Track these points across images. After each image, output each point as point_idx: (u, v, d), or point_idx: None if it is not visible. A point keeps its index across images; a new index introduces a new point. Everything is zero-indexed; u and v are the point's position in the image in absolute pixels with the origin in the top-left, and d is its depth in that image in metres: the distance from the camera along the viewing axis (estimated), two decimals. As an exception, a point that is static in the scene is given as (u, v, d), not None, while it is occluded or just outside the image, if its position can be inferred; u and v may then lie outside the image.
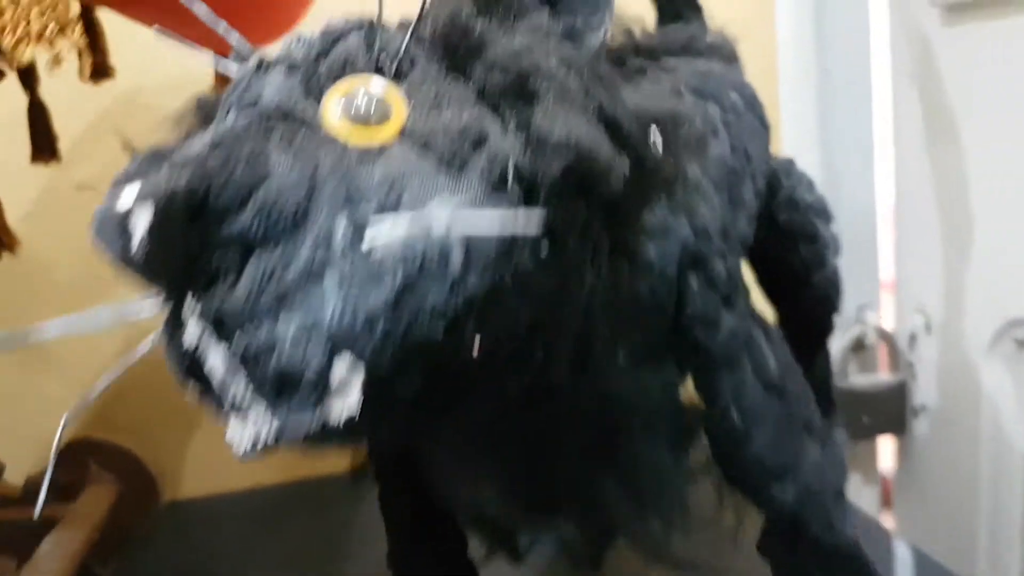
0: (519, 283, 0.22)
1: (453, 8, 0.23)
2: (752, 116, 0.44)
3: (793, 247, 0.48)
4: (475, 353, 0.22)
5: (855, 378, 0.81)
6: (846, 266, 0.81)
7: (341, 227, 0.20)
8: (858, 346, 0.81)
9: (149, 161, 0.22)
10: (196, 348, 0.21)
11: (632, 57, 0.47)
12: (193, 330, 0.21)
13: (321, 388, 0.20)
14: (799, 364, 0.56)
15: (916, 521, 0.81)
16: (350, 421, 0.21)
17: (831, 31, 0.79)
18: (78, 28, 0.34)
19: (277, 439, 0.21)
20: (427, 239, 0.20)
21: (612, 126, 0.23)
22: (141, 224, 0.19)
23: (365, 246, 0.20)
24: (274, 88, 0.23)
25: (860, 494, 0.85)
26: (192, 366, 0.21)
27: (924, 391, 0.79)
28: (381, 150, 0.22)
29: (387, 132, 0.22)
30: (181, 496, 0.70)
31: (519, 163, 0.22)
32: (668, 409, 0.34)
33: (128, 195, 0.19)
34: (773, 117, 0.78)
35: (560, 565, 0.38)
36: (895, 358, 0.81)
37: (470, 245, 0.21)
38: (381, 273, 0.20)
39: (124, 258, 0.19)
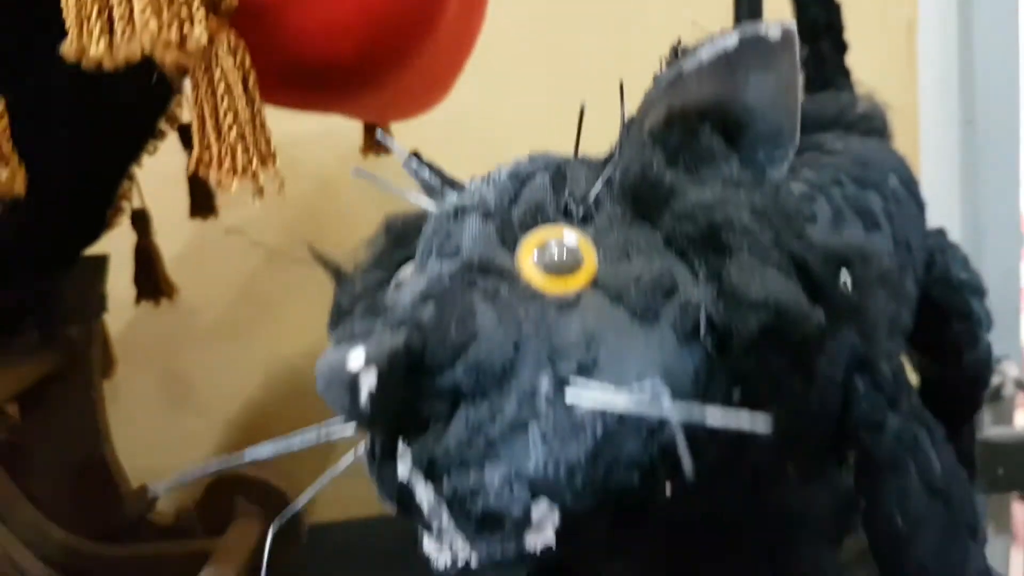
0: (709, 435, 0.22)
1: (644, 158, 0.24)
2: (911, 200, 0.43)
3: (947, 325, 0.47)
4: (668, 495, 0.23)
5: (990, 430, 0.78)
6: (992, 319, 0.78)
7: (544, 383, 0.21)
8: (995, 396, 0.78)
9: (364, 314, 0.23)
10: (407, 482, 0.22)
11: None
12: (403, 468, 0.22)
13: (520, 529, 0.22)
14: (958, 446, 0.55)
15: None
16: (540, 552, 0.22)
17: (978, 79, 0.76)
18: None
19: (471, 564, 0.23)
20: (619, 404, 0.21)
21: (803, 271, 0.24)
22: (367, 384, 0.20)
23: (568, 402, 0.21)
24: (471, 237, 0.24)
25: (993, 550, 0.82)
26: (401, 496, 0.22)
27: (1066, 446, 0.75)
28: (577, 300, 0.22)
29: (580, 280, 0.23)
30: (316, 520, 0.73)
31: (711, 314, 0.22)
32: (830, 509, 0.34)
33: (355, 358, 0.20)
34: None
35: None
36: (1035, 412, 0.78)
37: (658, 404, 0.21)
38: (582, 426, 0.21)
39: (352, 413, 0.21)
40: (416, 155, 0.31)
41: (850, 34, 0.56)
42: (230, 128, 0.26)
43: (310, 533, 0.69)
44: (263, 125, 0.27)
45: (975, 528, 0.34)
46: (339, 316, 0.29)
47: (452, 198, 0.26)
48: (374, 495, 0.74)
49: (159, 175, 0.58)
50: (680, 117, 0.25)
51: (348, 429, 0.25)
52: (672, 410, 0.20)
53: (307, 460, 0.81)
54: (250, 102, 0.26)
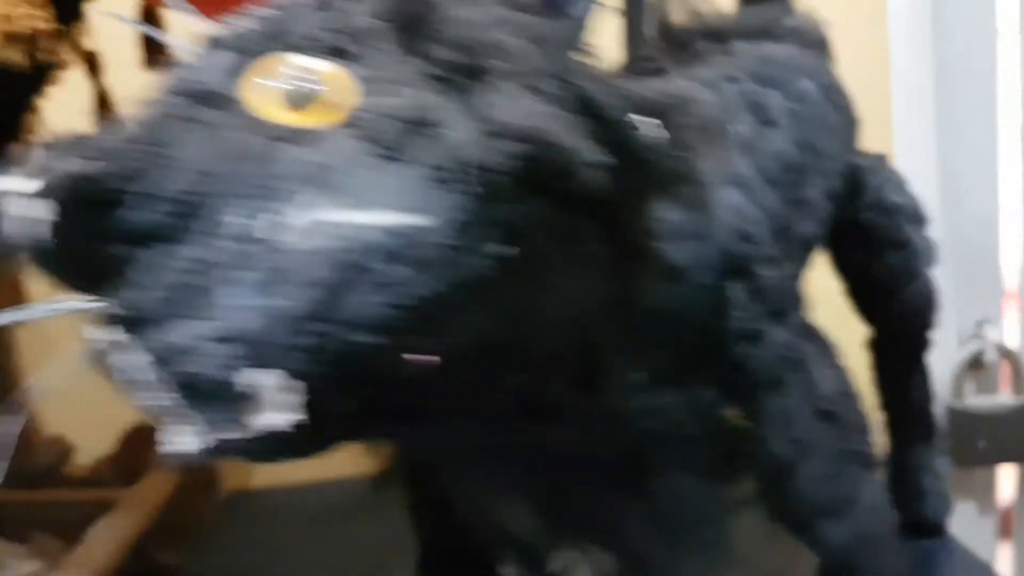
0: (472, 290, 0.19)
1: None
2: (828, 106, 0.39)
3: (879, 255, 0.43)
4: (419, 366, 0.19)
5: (972, 399, 0.74)
6: (964, 276, 0.74)
7: (259, 222, 0.18)
8: (976, 364, 0.74)
9: (54, 144, 0.20)
10: (101, 352, 0.19)
11: (698, 41, 0.43)
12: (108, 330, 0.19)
13: (242, 399, 0.18)
14: (896, 387, 0.50)
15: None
16: (286, 434, 0.19)
17: (951, 14, 0.71)
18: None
19: (212, 450, 0.19)
20: (357, 240, 0.18)
21: (592, 114, 0.20)
22: (32, 211, 0.17)
23: (286, 244, 0.18)
24: (215, 71, 0.21)
25: (976, 526, 0.77)
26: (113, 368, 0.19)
27: (1052, 416, 0.71)
28: (317, 135, 0.19)
29: (324, 116, 0.20)
30: (246, 487, 0.71)
31: (471, 154, 0.19)
32: (703, 435, 0.30)
33: (18, 183, 0.17)
34: (883, 112, 0.71)
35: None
36: (1019, 378, 0.73)
37: (413, 241, 0.18)
38: (303, 276, 0.18)
39: (17, 245, 0.18)
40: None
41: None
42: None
43: (242, 499, 0.67)
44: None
45: (866, 456, 0.30)
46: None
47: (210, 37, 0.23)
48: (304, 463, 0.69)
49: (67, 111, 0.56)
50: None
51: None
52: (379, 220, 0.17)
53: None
54: None
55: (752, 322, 0.29)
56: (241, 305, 0.18)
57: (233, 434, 0.19)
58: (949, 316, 0.74)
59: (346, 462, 0.75)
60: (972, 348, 0.73)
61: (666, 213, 0.25)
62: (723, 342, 0.29)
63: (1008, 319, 0.74)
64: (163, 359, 0.18)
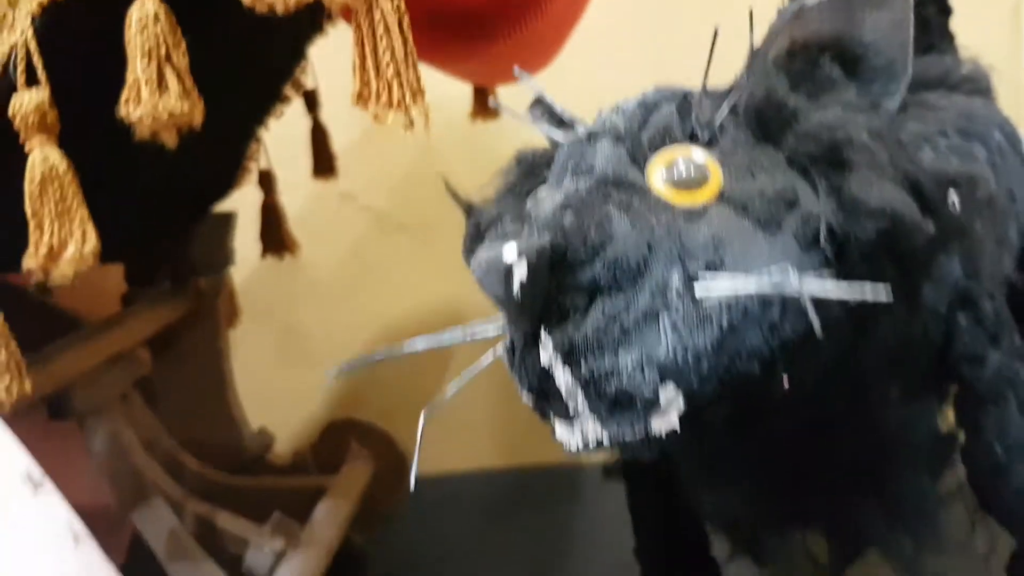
0: (828, 332, 0.24)
1: (769, 83, 0.26)
2: (1015, 154, 0.44)
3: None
4: (785, 389, 0.25)
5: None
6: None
7: (675, 278, 0.24)
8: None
9: (511, 219, 0.26)
10: (545, 371, 0.25)
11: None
12: (545, 355, 0.25)
13: (649, 410, 0.24)
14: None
15: None
16: (663, 436, 0.25)
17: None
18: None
19: (601, 444, 0.25)
20: (746, 294, 0.23)
21: (916, 189, 0.26)
22: (519, 273, 0.23)
23: (697, 295, 0.24)
24: (604, 157, 0.26)
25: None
26: (541, 382, 0.25)
27: None
28: (704, 211, 0.25)
29: (706, 195, 0.25)
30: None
31: (831, 223, 0.25)
32: (930, 439, 0.36)
33: (509, 251, 0.23)
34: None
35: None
36: None
37: (786, 298, 0.24)
38: (708, 318, 0.24)
39: (506, 297, 0.24)
40: (541, 100, 0.34)
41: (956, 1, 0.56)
42: (388, 65, 0.30)
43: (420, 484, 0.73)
44: (415, 64, 0.30)
45: None
46: (473, 240, 0.32)
47: (583, 127, 0.29)
48: (474, 450, 0.78)
49: (283, 139, 0.62)
50: (802, 48, 0.27)
51: (488, 331, 0.28)
52: (796, 282, 0.22)
53: (408, 413, 0.84)
54: (404, 41, 0.29)
55: (976, 346, 0.34)
56: (664, 342, 0.24)
57: (631, 435, 0.25)
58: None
59: (505, 454, 0.82)
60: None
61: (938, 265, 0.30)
62: (952, 363, 0.34)
63: None
64: (589, 380, 0.24)
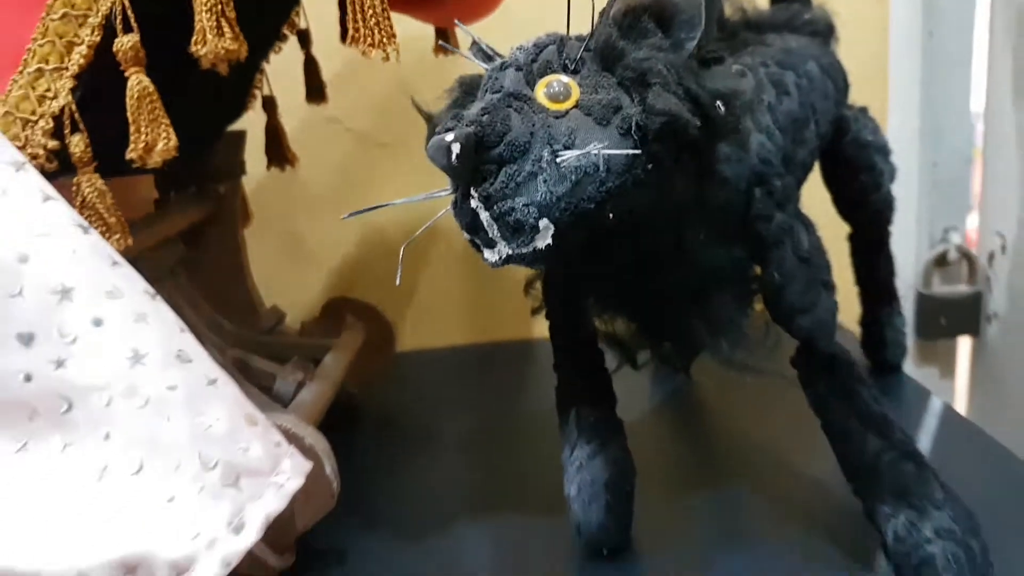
0: (635, 187, 0.41)
1: (608, 33, 0.43)
2: (825, 79, 0.61)
3: (855, 175, 0.65)
4: (611, 219, 0.42)
5: (938, 287, 0.96)
6: (940, 196, 0.95)
7: (546, 153, 0.41)
8: (942, 261, 0.96)
9: (453, 117, 0.43)
10: (474, 212, 0.42)
11: (743, 31, 0.64)
12: (473, 203, 0.41)
13: (533, 233, 0.41)
14: (868, 264, 0.73)
15: (985, 408, 0.96)
16: (544, 250, 0.42)
17: (940, 4, 0.91)
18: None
19: (508, 259, 0.42)
20: (588, 161, 0.40)
21: (693, 100, 0.42)
22: (454, 150, 0.40)
23: (558, 162, 0.41)
24: (509, 80, 0.43)
25: (939, 385, 1.00)
26: (471, 220, 0.42)
27: (997, 301, 0.93)
28: (566, 114, 0.42)
29: (568, 104, 0.42)
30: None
31: (638, 121, 0.41)
32: (738, 275, 0.53)
33: (448, 136, 0.39)
34: (882, 73, 0.93)
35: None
36: (973, 272, 0.95)
37: (610, 164, 0.41)
38: (565, 176, 0.40)
39: (447, 166, 0.40)
40: (475, 43, 0.50)
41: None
42: (371, 15, 0.46)
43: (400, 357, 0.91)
44: (388, 14, 0.46)
45: (827, 283, 0.53)
46: (430, 138, 0.49)
47: (500, 63, 0.45)
48: (446, 330, 1.00)
49: (281, 70, 0.77)
50: (630, 10, 0.43)
51: (443, 193, 0.45)
52: (598, 149, 0.39)
53: (393, 295, 1.03)
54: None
55: (766, 209, 0.51)
56: (540, 191, 0.40)
57: (524, 251, 0.42)
58: (923, 225, 0.96)
59: (468, 333, 1.01)
60: (939, 249, 0.95)
61: (725, 150, 0.47)
62: (750, 221, 0.51)
63: (969, 228, 0.96)
64: (499, 216, 0.41)
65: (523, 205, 0.40)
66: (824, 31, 0.68)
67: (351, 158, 0.95)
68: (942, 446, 0.66)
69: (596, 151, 0.40)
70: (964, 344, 0.98)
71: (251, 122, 0.79)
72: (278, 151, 0.79)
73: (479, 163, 0.41)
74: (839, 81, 0.64)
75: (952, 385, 1.00)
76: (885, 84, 0.93)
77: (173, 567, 0.41)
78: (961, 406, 0.99)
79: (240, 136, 0.80)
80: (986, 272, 0.94)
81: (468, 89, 0.48)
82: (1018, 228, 0.88)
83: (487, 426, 0.77)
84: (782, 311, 0.52)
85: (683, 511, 0.60)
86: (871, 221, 0.69)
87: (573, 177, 0.40)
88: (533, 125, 0.41)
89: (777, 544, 0.55)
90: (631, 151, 0.41)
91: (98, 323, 0.43)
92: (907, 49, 0.92)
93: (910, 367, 0.99)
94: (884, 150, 0.67)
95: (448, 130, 0.40)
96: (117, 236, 0.49)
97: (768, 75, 0.57)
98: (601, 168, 0.41)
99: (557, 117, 0.42)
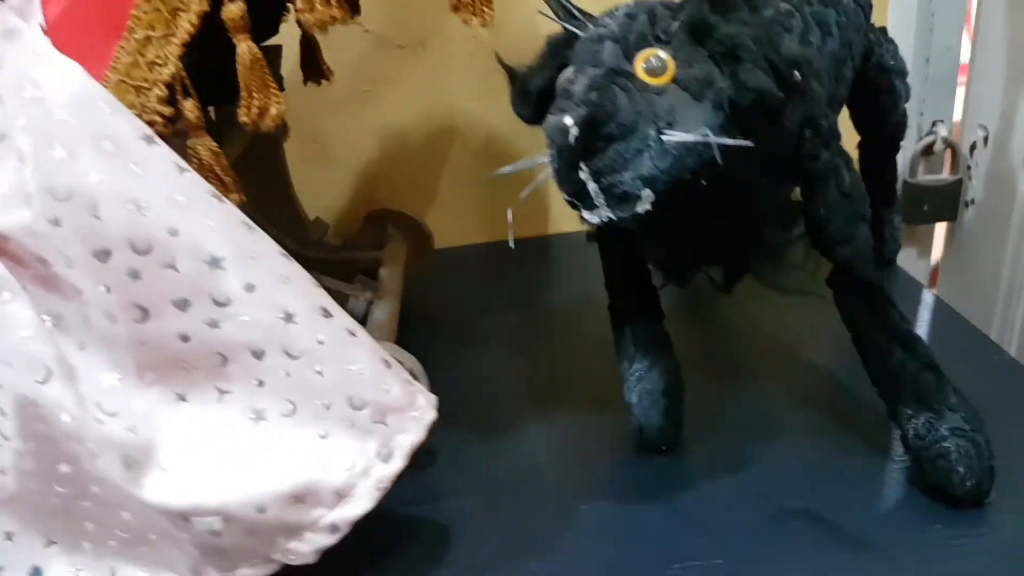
0: (725, 154, 0.47)
1: (700, 7, 0.47)
2: (857, 11, 0.65)
3: (875, 97, 0.71)
4: (703, 184, 0.48)
5: (923, 176, 1.04)
6: (930, 90, 1.01)
7: (651, 132, 0.45)
8: (928, 151, 1.03)
9: (563, 96, 0.47)
10: (582, 183, 0.46)
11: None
12: (582, 174, 0.46)
13: (636, 201, 0.47)
14: (875, 171, 0.80)
15: (958, 286, 1.06)
16: (642, 213, 0.47)
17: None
18: None
19: (611, 219, 0.48)
20: (688, 139, 0.45)
21: (775, 70, 0.47)
22: (572, 132, 0.44)
23: (663, 139, 0.46)
24: (608, 53, 0.47)
25: (916, 264, 1.10)
26: (578, 190, 0.47)
27: (976, 188, 1.01)
28: (665, 89, 0.46)
29: (666, 79, 0.46)
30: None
31: (729, 95, 0.46)
32: (785, 207, 0.59)
33: (568, 120, 0.44)
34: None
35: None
36: (955, 162, 1.02)
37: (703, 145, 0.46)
38: (668, 152, 0.46)
39: (564, 146, 0.45)
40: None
41: None
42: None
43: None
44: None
45: (865, 216, 0.59)
46: (520, 96, 0.53)
47: (593, 29, 0.49)
48: (487, 224, 1.06)
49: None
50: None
51: (543, 159, 0.49)
52: (709, 136, 0.45)
53: (416, 196, 1.08)
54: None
55: (814, 148, 0.56)
56: (645, 166, 0.46)
57: (624, 215, 0.47)
58: (913, 118, 1.02)
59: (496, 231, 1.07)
60: (927, 140, 1.02)
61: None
62: (799, 158, 0.57)
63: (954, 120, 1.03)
64: (606, 187, 0.46)
65: (631, 179, 0.46)
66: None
67: (369, 60, 0.97)
68: (931, 334, 0.76)
69: (700, 137, 0.45)
70: (941, 227, 1.07)
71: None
72: (315, 65, 0.81)
73: (590, 140, 0.45)
74: (867, 7, 0.68)
75: (927, 263, 1.10)
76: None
77: (336, 493, 0.48)
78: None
79: (277, 51, 0.81)
80: (967, 161, 1.01)
81: (555, 50, 0.52)
82: (1000, 121, 0.95)
83: (524, 322, 0.84)
84: (825, 241, 0.58)
85: (723, 412, 0.69)
86: (886, 137, 0.76)
87: (675, 152, 0.46)
88: (638, 104, 0.46)
89: (808, 437, 0.64)
90: (738, 142, 0.45)
91: (250, 288, 0.47)
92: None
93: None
94: (903, 73, 0.72)
95: (562, 111, 0.45)
96: (234, 194, 0.53)
97: (813, 15, 0.61)
98: (699, 145, 0.46)
99: (657, 93, 0.46)
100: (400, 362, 0.59)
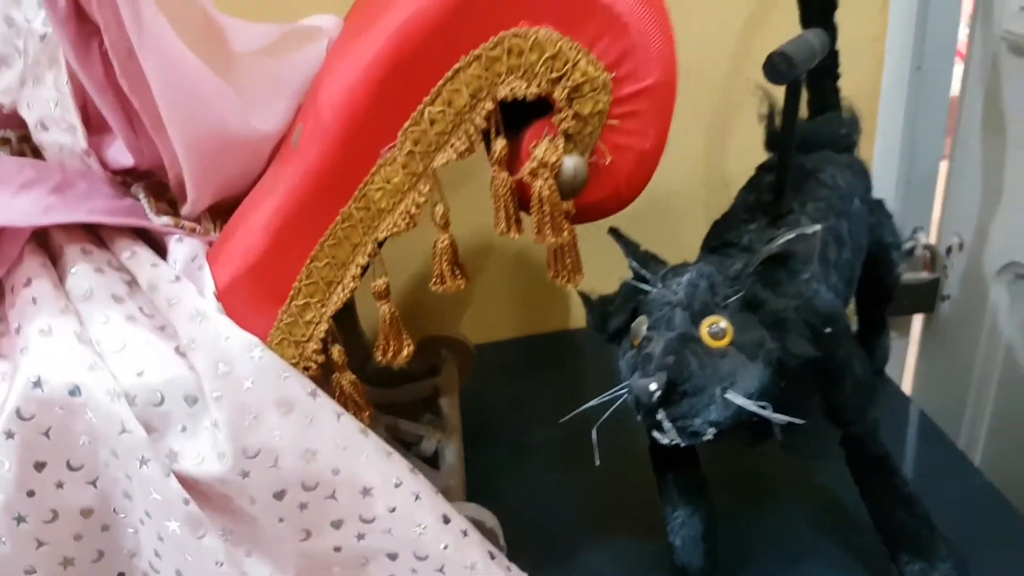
0: (778, 392, 0.59)
1: (751, 286, 0.59)
2: (864, 209, 0.77)
3: (876, 265, 0.84)
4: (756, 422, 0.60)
5: (905, 275, 1.17)
6: (911, 203, 1.14)
7: (718, 391, 0.57)
8: (909, 254, 1.16)
9: (644, 360, 0.58)
10: (660, 420, 0.58)
11: (799, 153, 0.79)
12: (660, 416, 0.58)
13: (703, 435, 0.59)
14: (870, 316, 0.93)
15: (934, 367, 1.20)
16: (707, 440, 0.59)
17: (927, 40, 1.06)
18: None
19: (679, 442, 0.60)
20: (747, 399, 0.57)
21: (812, 329, 0.59)
22: (655, 395, 0.56)
23: (727, 397, 0.57)
24: (679, 319, 0.58)
25: (895, 345, 1.24)
26: (657, 425, 0.59)
27: (951, 286, 1.15)
28: (726, 352, 0.58)
29: (726, 341, 0.58)
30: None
31: (780, 356, 0.58)
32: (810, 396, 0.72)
33: (651, 386, 0.55)
34: (873, 104, 1.08)
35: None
36: (933, 264, 1.16)
37: (759, 390, 0.58)
38: (729, 406, 0.58)
39: (647, 405, 0.56)
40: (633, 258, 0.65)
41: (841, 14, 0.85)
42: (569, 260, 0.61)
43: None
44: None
45: (875, 398, 0.72)
46: (599, 330, 0.64)
47: (660, 290, 0.60)
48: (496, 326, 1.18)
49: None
50: (766, 263, 0.59)
51: (622, 392, 0.61)
52: (767, 411, 0.57)
53: (473, 327, 1.19)
54: None
55: (831, 349, 0.69)
56: (712, 415, 0.58)
57: (694, 442, 0.60)
58: (899, 227, 1.15)
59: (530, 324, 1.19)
60: (909, 244, 1.15)
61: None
62: (818, 357, 0.69)
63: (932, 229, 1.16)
64: (679, 425, 0.58)
65: (700, 423, 0.58)
66: (855, 141, 0.84)
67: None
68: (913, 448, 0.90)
69: (758, 409, 0.57)
70: (918, 317, 1.21)
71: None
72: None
73: (668, 395, 0.57)
74: (869, 195, 0.81)
75: (905, 343, 1.24)
76: (875, 113, 1.09)
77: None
78: (911, 360, 1.24)
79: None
80: (944, 262, 1.15)
81: (628, 295, 0.64)
82: (975, 233, 1.09)
83: (561, 428, 0.95)
84: (840, 420, 0.71)
85: (749, 542, 0.81)
86: (884, 292, 0.89)
87: (733, 408, 0.58)
88: (706, 367, 0.57)
89: (824, 561, 0.77)
90: (790, 419, 0.57)
91: (392, 510, 0.59)
92: (897, 82, 1.07)
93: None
94: (899, 246, 0.85)
95: (646, 375, 0.56)
96: (366, 413, 0.64)
97: (831, 230, 0.73)
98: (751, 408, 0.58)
99: (720, 356, 0.58)
100: (482, 522, 0.71)
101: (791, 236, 0.58)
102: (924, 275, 1.16)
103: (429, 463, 0.82)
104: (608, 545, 0.81)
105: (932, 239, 1.16)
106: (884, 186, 1.13)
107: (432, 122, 0.55)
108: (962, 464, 0.88)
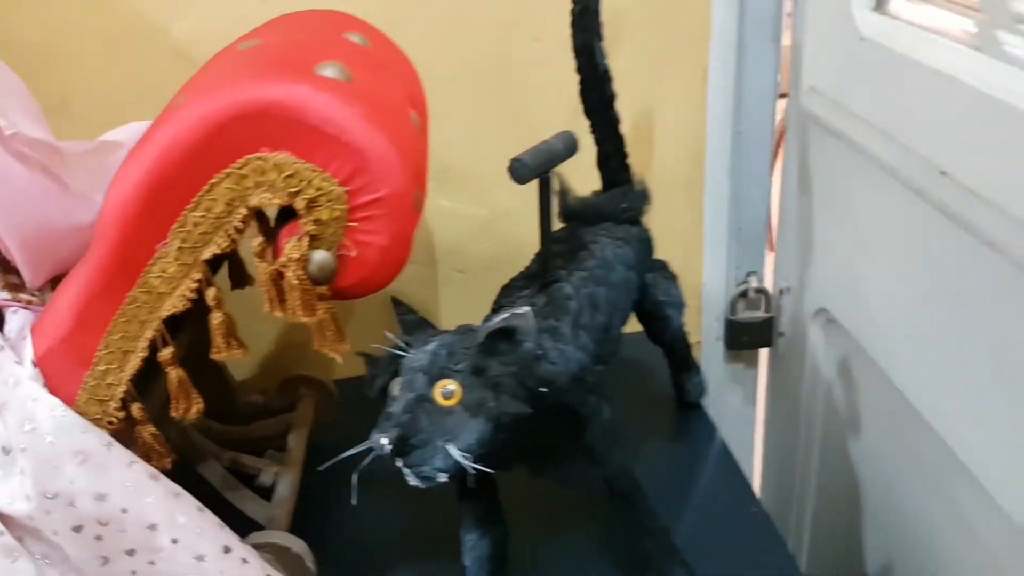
0: (506, 443, 0.71)
1: (478, 355, 0.70)
2: (628, 275, 0.89)
3: (653, 321, 0.95)
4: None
5: (742, 314, 1.28)
6: (743, 250, 1.25)
7: (439, 444, 0.69)
8: (745, 295, 1.27)
9: (385, 419, 0.70)
10: (400, 465, 0.70)
11: (579, 224, 0.91)
12: (398, 463, 0.70)
13: (435, 479, 0.70)
14: (673, 364, 1.04)
15: (776, 401, 1.32)
16: (446, 480, 0.71)
17: (744, 107, 1.17)
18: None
19: (420, 485, 0.71)
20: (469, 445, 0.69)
21: (528, 390, 0.71)
22: (387, 447, 0.67)
23: (447, 449, 0.69)
24: (419, 382, 0.70)
25: (744, 374, 1.35)
26: (396, 469, 0.71)
27: (784, 324, 1.26)
28: (452, 410, 0.70)
29: (455, 401, 0.70)
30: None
31: (497, 414, 0.70)
32: (565, 438, 0.83)
33: (383, 439, 0.67)
34: (700, 161, 1.21)
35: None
36: (767, 304, 1.27)
37: (479, 441, 0.70)
38: (449, 457, 0.69)
39: (382, 451, 0.68)
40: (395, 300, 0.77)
41: (666, 81, 0.99)
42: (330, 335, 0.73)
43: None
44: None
45: (622, 441, 0.83)
46: (371, 387, 0.76)
47: (413, 359, 0.72)
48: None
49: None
50: (489, 337, 0.70)
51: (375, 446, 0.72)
52: (466, 461, 0.68)
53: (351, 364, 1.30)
54: None
55: (581, 397, 0.81)
56: (437, 463, 0.69)
57: (431, 485, 0.71)
58: (731, 269, 1.27)
59: None
60: (742, 288, 1.27)
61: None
62: (570, 405, 0.81)
63: (765, 272, 1.27)
64: (416, 473, 0.70)
65: (430, 470, 0.70)
66: (640, 213, 0.95)
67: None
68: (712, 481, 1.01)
69: (461, 459, 0.68)
70: (761, 352, 1.32)
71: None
72: (239, 276, 1.03)
73: (401, 447, 0.69)
74: (645, 258, 0.92)
75: (755, 373, 1.36)
76: (701, 169, 1.21)
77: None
78: (762, 389, 1.35)
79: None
80: (777, 303, 1.26)
81: (391, 360, 0.75)
82: (799, 279, 1.20)
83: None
84: (592, 460, 0.83)
85: (537, 562, 0.93)
86: (672, 344, 1.00)
87: (455, 456, 0.69)
88: (433, 423, 0.69)
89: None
90: (482, 469, 0.69)
91: (175, 541, 0.71)
92: (720, 142, 1.19)
93: (723, 366, 1.33)
94: (676, 304, 0.97)
95: (381, 431, 0.68)
96: (166, 459, 0.76)
97: (587, 296, 0.84)
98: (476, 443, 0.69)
99: (448, 414, 0.70)
100: (288, 548, 0.83)
101: (507, 316, 0.70)
102: (761, 314, 1.28)
103: (266, 494, 0.94)
104: (418, 565, 0.93)
105: (768, 282, 1.28)
106: (717, 233, 1.25)
107: (196, 224, 0.67)
108: (748, 495, 1.00)
